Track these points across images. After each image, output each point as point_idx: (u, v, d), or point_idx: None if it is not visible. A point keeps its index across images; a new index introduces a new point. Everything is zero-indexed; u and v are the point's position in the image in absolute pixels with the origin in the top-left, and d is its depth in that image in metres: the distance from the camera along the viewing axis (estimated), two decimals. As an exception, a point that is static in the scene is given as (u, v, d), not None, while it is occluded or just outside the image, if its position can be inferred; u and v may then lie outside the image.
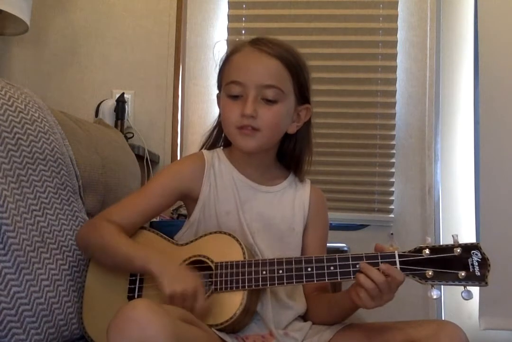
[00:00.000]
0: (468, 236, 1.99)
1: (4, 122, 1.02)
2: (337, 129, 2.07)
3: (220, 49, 1.20)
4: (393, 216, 2.06)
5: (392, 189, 2.06)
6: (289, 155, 1.16)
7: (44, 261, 1.03)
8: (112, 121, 1.95)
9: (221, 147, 1.18)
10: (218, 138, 1.18)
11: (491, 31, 1.94)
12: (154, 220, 1.68)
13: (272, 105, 1.05)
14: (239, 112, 1.04)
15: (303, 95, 1.11)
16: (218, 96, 1.15)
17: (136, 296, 1.02)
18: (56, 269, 1.06)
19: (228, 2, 2.13)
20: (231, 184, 1.11)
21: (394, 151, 2.07)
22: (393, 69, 2.07)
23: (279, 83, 1.05)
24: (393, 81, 2.07)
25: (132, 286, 1.03)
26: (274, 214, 1.11)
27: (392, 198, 2.06)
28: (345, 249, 1.77)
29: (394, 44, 2.07)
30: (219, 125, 1.17)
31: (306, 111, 1.13)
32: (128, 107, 2.05)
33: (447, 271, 0.90)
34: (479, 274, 0.89)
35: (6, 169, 1.00)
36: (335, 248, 1.66)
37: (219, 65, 1.14)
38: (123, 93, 2.00)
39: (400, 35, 2.08)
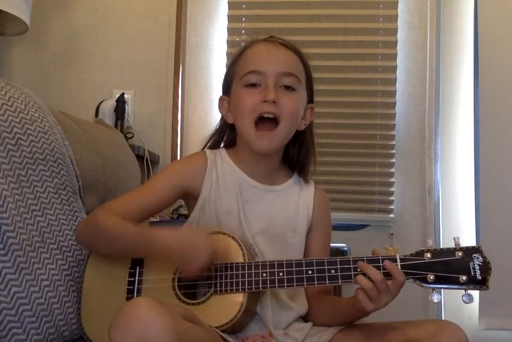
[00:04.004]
0: (468, 236, 1.99)
1: (4, 122, 1.02)
2: (337, 129, 2.07)
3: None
4: (393, 216, 2.06)
5: (392, 189, 2.06)
6: (295, 157, 1.16)
7: (44, 261, 1.03)
8: (112, 121, 1.95)
9: (224, 148, 1.18)
10: (220, 140, 1.18)
11: (491, 31, 1.94)
12: (154, 220, 1.68)
13: (291, 93, 1.07)
14: (259, 99, 1.04)
15: (310, 93, 1.13)
16: (222, 99, 1.15)
17: (135, 297, 1.01)
18: (56, 269, 1.06)
19: (228, 2, 2.13)
20: (233, 184, 1.11)
21: (394, 151, 2.07)
22: (393, 69, 2.07)
23: (297, 72, 1.07)
24: (393, 82, 2.07)
25: (131, 287, 1.03)
26: (277, 214, 1.11)
27: (392, 198, 2.06)
28: (345, 249, 1.77)
29: (394, 44, 2.07)
30: (221, 128, 1.18)
31: (310, 110, 1.14)
32: (128, 107, 2.05)
33: (449, 275, 0.89)
34: (480, 278, 0.88)
35: (6, 170, 1.00)
36: (335, 248, 1.65)
37: (230, 63, 1.14)
38: (123, 93, 2.00)
39: (400, 35, 2.08)
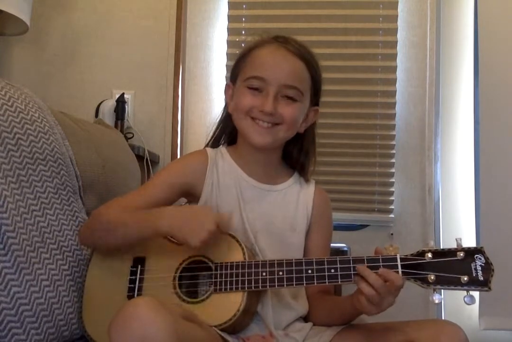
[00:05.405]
0: (468, 236, 1.99)
1: (4, 122, 1.02)
2: (337, 129, 2.07)
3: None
4: (393, 216, 2.06)
5: (392, 189, 2.06)
6: (295, 157, 1.16)
7: (44, 261, 1.03)
8: (112, 121, 1.95)
9: (225, 145, 1.18)
10: (222, 133, 1.18)
11: (491, 31, 1.94)
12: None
13: (292, 103, 1.07)
14: (258, 105, 1.05)
15: (316, 97, 1.13)
16: (228, 85, 1.15)
17: (135, 295, 1.02)
18: (56, 269, 1.06)
19: (228, 2, 2.13)
20: (234, 183, 1.11)
21: (394, 151, 2.06)
22: (393, 69, 2.07)
23: (300, 85, 1.07)
24: (393, 82, 2.07)
25: (132, 285, 1.03)
26: (276, 213, 1.11)
27: (392, 198, 2.06)
28: (345, 249, 1.77)
29: (394, 44, 2.07)
30: (223, 122, 1.18)
31: (314, 113, 1.14)
32: (128, 108, 2.05)
33: (450, 275, 0.89)
34: (482, 278, 0.88)
35: (6, 170, 1.00)
36: (335, 248, 1.65)
37: (238, 57, 1.14)
38: (123, 94, 2.00)
39: (400, 35, 2.08)
